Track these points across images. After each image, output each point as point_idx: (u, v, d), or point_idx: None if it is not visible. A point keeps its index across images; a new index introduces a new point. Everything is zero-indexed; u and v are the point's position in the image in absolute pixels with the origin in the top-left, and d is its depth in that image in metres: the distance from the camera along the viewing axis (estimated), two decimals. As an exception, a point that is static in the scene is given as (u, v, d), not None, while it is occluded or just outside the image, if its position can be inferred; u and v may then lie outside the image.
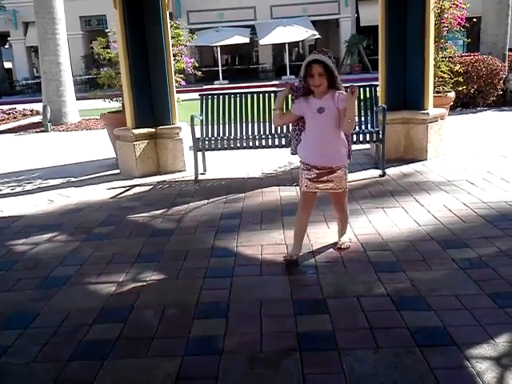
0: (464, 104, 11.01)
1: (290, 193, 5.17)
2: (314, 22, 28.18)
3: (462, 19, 7.30)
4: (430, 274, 3.16)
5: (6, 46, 31.95)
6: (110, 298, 3.10)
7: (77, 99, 13.31)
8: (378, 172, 5.59)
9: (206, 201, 5.07)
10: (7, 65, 31.49)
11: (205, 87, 23.09)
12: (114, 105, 7.56)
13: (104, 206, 5.12)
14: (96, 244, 4.05)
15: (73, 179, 6.39)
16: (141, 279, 3.34)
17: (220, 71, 27.55)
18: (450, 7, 7.24)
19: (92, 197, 5.51)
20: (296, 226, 3.60)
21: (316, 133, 3.38)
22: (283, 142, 5.81)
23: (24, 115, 15.22)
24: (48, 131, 11.67)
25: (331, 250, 3.62)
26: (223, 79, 27.06)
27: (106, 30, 8.21)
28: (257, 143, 5.88)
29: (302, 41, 29.78)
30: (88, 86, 24.09)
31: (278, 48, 29.54)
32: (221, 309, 2.87)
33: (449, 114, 7.41)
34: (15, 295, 3.24)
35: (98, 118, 9.81)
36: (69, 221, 4.71)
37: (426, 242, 3.67)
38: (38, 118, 13.53)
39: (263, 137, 5.87)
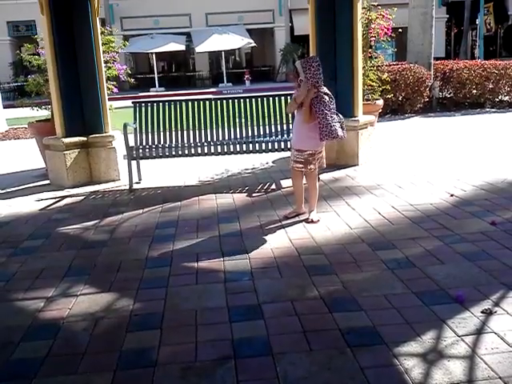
0: (393, 111, 11.50)
1: (227, 200, 5.19)
2: (249, 31, 28.47)
3: (388, 29, 7.62)
4: (360, 275, 3.26)
5: None
6: (38, 315, 2.98)
7: (4, 107, 12.71)
8: (312, 178, 5.71)
9: (140, 210, 4.98)
10: None
11: (140, 94, 22.72)
12: (43, 113, 7.28)
13: (32, 219, 4.91)
14: (23, 258, 3.87)
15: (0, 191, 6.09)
16: (71, 293, 3.22)
17: (156, 78, 27.20)
18: (377, 18, 7.54)
19: (20, 209, 5.27)
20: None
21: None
22: (219, 150, 5.82)
23: None
24: (-28, 141, 11.06)
25: (266, 255, 3.65)
26: (159, 86, 26.73)
27: (35, 36, 7.92)
28: (193, 151, 5.85)
29: (239, 49, 29.99)
30: (16, 94, 23.05)
31: (214, 55, 29.60)
32: (155, 320, 2.82)
33: (378, 121, 7.71)
34: None
35: (27, 126, 9.41)
36: (-6, 235, 4.48)
37: (356, 244, 3.79)
38: (-39, 128, 12.78)
39: (199, 144, 5.85)
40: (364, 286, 3.09)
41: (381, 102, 7.55)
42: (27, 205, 5.42)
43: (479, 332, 2.53)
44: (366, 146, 6.44)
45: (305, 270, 3.37)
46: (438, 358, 2.34)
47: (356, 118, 6.31)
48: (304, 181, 4.50)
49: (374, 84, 7.56)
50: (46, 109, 7.17)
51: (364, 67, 7.09)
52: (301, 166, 4.35)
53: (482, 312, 2.71)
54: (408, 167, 6.19)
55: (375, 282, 3.14)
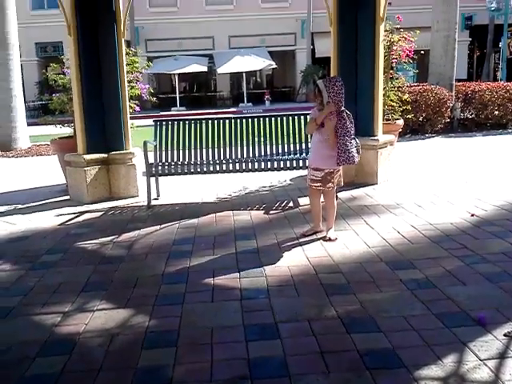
0: (413, 131, 11.42)
1: (244, 217, 5.17)
2: (271, 53, 28.76)
3: (410, 51, 7.64)
4: (379, 295, 3.20)
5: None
6: (55, 329, 2.98)
7: (28, 125, 12.98)
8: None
9: (158, 226, 4.98)
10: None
11: (162, 113, 23.02)
12: (66, 130, 7.41)
13: (52, 234, 4.95)
14: (42, 273, 3.89)
15: (20, 206, 6.16)
16: (87, 309, 3.22)
17: (177, 98, 27.58)
18: (399, 40, 7.56)
19: (40, 224, 5.33)
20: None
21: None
22: (237, 167, 5.83)
23: (-28, 141, 14.67)
24: (-4, 157, 11.30)
25: (283, 273, 3.61)
26: (180, 106, 27.07)
27: (61, 57, 8.11)
28: (211, 168, 5.87)
29: (260, 70, 30.28)
30: (41, 112, 23.57)
31: (235, 76, 29.90)
32: (171, 337, 2.80)
33: (398, 141, 7.65)
34: (-49, 328, 3.06)
35: (49, 143, 9.58)
36: (14, 249, 4.53)
37: (375, 263, 3.73)
38: (-14, 145, 13.07)
39: (217, 162, 5.88)
40: (383, 307, 3.02)
41: (401, 122, 7.51)
42: (47, 220, 5.48)
43: (502, 356, 2.44)
44: (386, 164, 6.39)
45: (322, 289, 3.31)
46: (459, 382, 2.26)
47: (376, 137, 6.27)
48: (322, 199, 4.47)
49: (394, 104, 7.55)
50: (68, 126, 7.29)
51: (385, 88, 7.09)
52: (319, 184, 4.32)
53: (505, 335, 2.62)
54: (428, 186, 6.11)
55: (394, 303, 3.07)
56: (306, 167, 5.50)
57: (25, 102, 13.21)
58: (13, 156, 11.42)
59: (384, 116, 6.90)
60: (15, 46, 12.18)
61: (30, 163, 10.30)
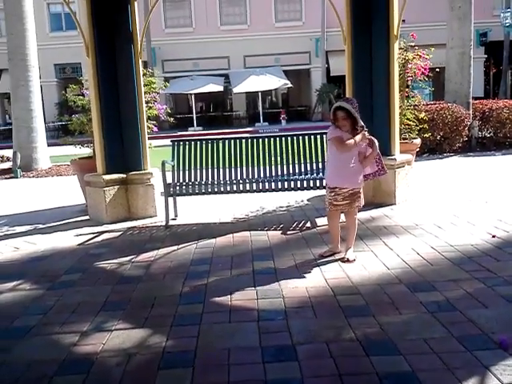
0: (431, 150, 11.35)
1: (261, 237, 5.17)
2: (286, 72, 29.02)
3: (425, 69, 7.64)
4: (398, 317, 3.16)
5: (-21, 93, 31.80)
6: (73, 349, 3.00)
7: (48, 145, 13.22)
8: (348, 216, 5.64)
9: (176, 246, 5.01)
10: (-21, 111, 31.25)
11: (179, 133, 23.27)
12: (86, 151, 7.53)
13: (71, 253, 5.00)
14: (61, 292, 3.93)
15: (40, 226, 6.25)
16: (105, 328, 3.24)
17: (194, 118, 27.90)
18: (414, 58, 7.58)
19: (59, 244, 5.39)
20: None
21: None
22: (254, 187, 5.85)
23: (-6, 161, 14.98)
24: (17, 177, 11.51)
25: (301, 295, 3.59)
26: (197, 126, 27.37)
27: (80, 78, 8.28)
28: (228, 188, 5.91)
29: (275, 89, 30.53)
30: (61, 133, 24.01)
31: (251, 96, 30.18)
32: (188, 358, 2.79)
33: (416, 160, 7.62)
34: (-28, 347, 3.10)
35: (69, 164, 9.73)
36: (34, 269, 4.58)
37: (394, 285, 3.69)
38: (7, 165, 13.31)
39: (234, 182, 5.91)
40: (402, 329, 2.98)
41: (418, 141, 7.48)
42: (66, 240, 5.55)
43: (526, 381, 2.39)
44: (404, 184, 6.35)
45: (340, 311, 3.29)
46: (482, 407, 2.21)
47: (393, 157, 6.25)
48: (341, 219, 4.46)
49: (411, 123, 7.53)
50: (88, 147, 7.42)
51: (401, 106, 7.08)
52: (345, 203, 4.28)
53: (529, 360, 2.56)
54: (447, 207, 6.05)
55: (414, 325, 3.03)
56: (324, 187, 5.50)
57: (45, 122, 13.48)
58: (33, 176, 11.63)
59: (401, 135, 6.88)
60: (35, 68, 12.49)
61: (51, 183, 10.46)
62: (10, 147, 13.79)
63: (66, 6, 6.37)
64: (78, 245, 5.34)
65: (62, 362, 2.83)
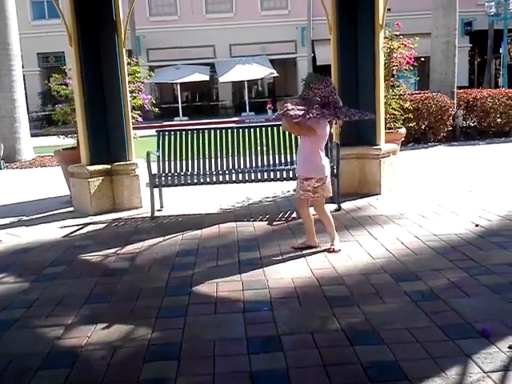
0: (416, 140, 11.42)
1: (247, 228, 5.17)
2: (272, 61, 28.90)
3: (410, 58, 7.65)
4: (383, 307, 3.19)
5: (-40, 82, 31.25)
6: (57, 342, 2.98)
7: (32, 136, 13.04)
8: (334, 206, 5.66)
9: (161, 238, 4.99)
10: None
11: (164, 123, 23.11)
12: (70, 141, 7.45)
13: (55, 246, 4.96)
14: (45, 285, 3.90)
15: (24, 218, 6.18)
16: (90, 321, 3.22)
17: (180, 108, 27.69)
18: (399, 47, 7.58)
19: (43, 236, 5.34)
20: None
21: None
22: (240, 178, 5.84)
23: (-24, 152, 14.75)
24: (0, 169, 11.35)
25: (286, 285, 3.61)
26: (183, 116, 27.19)
27: (64, 67, 8.16)
28: (214, 179, 5.88)
29: (261, 78, 30.40)
30: (44, 123, 23.70)
31: (237, 85, 30.03)
32: (173, 350, 2.79)
33: (401, 150, 7.66)
34: (-45, 341, 3.07)
35: (53, 154, 9.62)
36: (18, 261, 4.54)
37: (379, 274, 3.72)
38: (-10, 155, 13.14)
39: (220, 172, 5.89)
40: (387, 319, 3.01)
41: (403, 131, 7.52)
42: (51, 231, 5.50)
43: (507, 368, 2.42)
44: (389, 174, 6.38)
45: (325, 301, 3.31)
46: (463, 395, 2.25)
47: (378, 147, 6.28)
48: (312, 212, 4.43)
49: (396, 113, 7.56)
50: (72, 137, 7.33)
51: (386, 96, 7.10)
52: (310, 194, 4.24)
53: (510, 347, 2.61)
54: (431, 196, 6.10)
55: (398, 315, 3.06)
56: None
57: (28, 112, 13.29)
58: (17, 167, 11.48)
59: (386, 124, 6.90)
60: (17, 57, 12.27)
61: (34, 174, 10.35)
62: (-7, 138, 13.59)
63: (48, -6, 6.25)
64: (63, 237, 5.29)
65: (47, 356, 2.82)
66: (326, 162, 4.29)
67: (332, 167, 5.66)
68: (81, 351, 2.85)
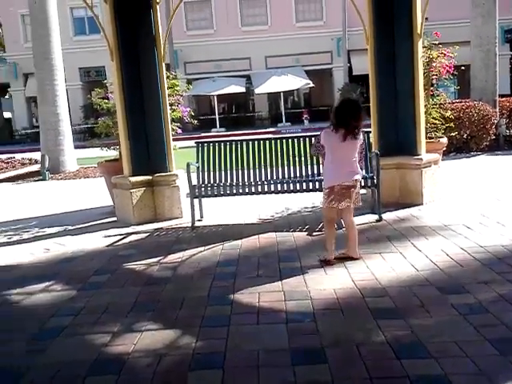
0: (458, 149, 11.17)
1: (287, 238, 5.16)
2: (307, 72, 28.92)
3: (450, 67, 7.54)
4: (429, 320, 3.12)
5: (6, 97, 32.53)
6: (105, 349, 3.04)
7: (75, 148, 13.43)
8: (375, 217, 5.60)
9: (202, 248, 5.04)
10: (7, 115, 31.96)
11: (202, 135, 23.40)
12: (112, 153, 7.64)
13: (100, 255, 5.08)
14: (91, 293, 4.00)
15: (69, 227, 6.36)
16: (135, 329, 3.28)
17: (217, 119, 28.02)
18: (438, 56, 7.48)
19: (88, 245, 5.48)
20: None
21: None
22: (279, 188, 5.85)
23: (22, 164, 15.28)
24: (46, 180, 11.72)
25: (329, 296, 3.58)
26: (220, 127, 27.49)
27: (105, 81, 8.40)
28: (253, 189, 5.92)
29: (297, 89, 30.46)
30: (87, 135, 24.39)
31: (273, 96, 30.15)
32: (217, 359, 2.81)
33: (443, 159, 7.51)
34: (7, 347, 3.18)
35: (96, 166, 9.88)
36: (64, 270, 4.67)
37: (424, 287, 3.64)
38: (36, 167, 13.60)
39: (259, 183, 5.92)
40: (433, 332, 2.95)
41: (444, 140, 7.38)
42: (95, 241, 5.63)
43: None
44: (431, 184, 6.27)
45: (369, 313, 3.26)
46: (518, 412, 2.17)
47: (419, 157, 6.18)
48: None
49: (437, 122, 7.44)
50: (114, 149, 7.51)
51: (426, 105, 7.00)
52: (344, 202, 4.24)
53: None
54: (475, 207, 5.95)
55: (446, 328, 2.99)
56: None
57: (71, 125, 13.70)
58: (61, 178, 11.83)
59: (427, 134, 6.80)
60: (60, 71, 12.70)
61: (78, 185, 10.64)
62: (38, 150, 14.08)
63: (90, 11, 6.46)
64: (107, 246, 5.42)
65: (94, 362, 2.88)
66: (329, 172, 4.30)
67: (372, 177, 5.63)
68: (127, 358, 2.90)
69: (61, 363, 2.90)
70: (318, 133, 4.50)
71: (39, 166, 12.48)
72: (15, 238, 6.04)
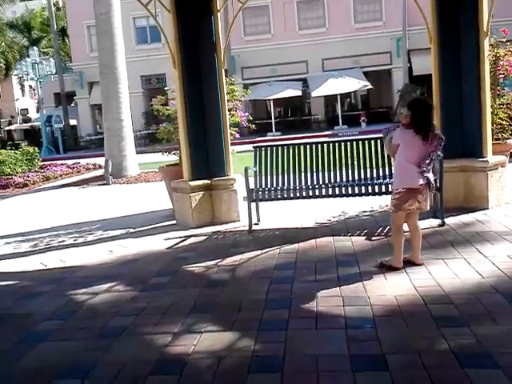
0: (526, 150, 10.62)
1: (345, 243, 5.09)
2: (365, 73, 28.47)
3: (517, 66, 7.20)
4: (496, 329, 2.99)
5: (72, 105, 34.13)
6: (165, 349, 3.12)
7: (137, 153, 13.88)
8: (437, 221, 5.42)
9: (259, 251, 5.06)
10: (72, 122, 33.51)
11: (258, 139, 23.54)
12: (172, 158, 7.83)
13: (160, 257, 5.22)
14: (152, 294, 4.11)
15: (131, 230, 6.58)
16: (195, 330, 3.34)
17: (273, 123, 28.10)
18: (506, 54, 7.17)
19: (149, 247, 5.64)
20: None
21: None
22: (336, 192, 5.79)
23: (87, 169, 16.03)
24: (109, 184, 12.19)
25: (389, 303, 3.50)
26: (276, 131, 27.53)
27: (166, 88, 8.62)
28: (310, 193, 5.89)
29: (354, 91, 30.05)
30: (148, 141, 25.15)
31: (330, 99, 29.88)
32: (276, 363, 2.81)
33: (510, 161, 7.17)
34: (73, 345, 3.32)
35: (157, 170, 10.16)
36: (126, 271, 4.83)
37: (490, 294, 3.49)
38: (100, 172, 14.19)
39: (316, 186, 5.88)
40: (501, 341, 2.82)
41: (512, 142, 7.06)
42: (155, 243, 5.79)
43: None
44: (497, 188, 5.99)
45: (432, 321, 3.16)
46: None
47: (485, 159, 5.92)
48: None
49: (503, 122, 7.14)
50: (174, 154, 7.70)
51: (492, 105, 6.72)
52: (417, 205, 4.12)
53: None
54: (546, 212, 5.64)
55: (514, 338, 2.85)
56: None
57: (133, 131, 14.18)
58: (124, 183, 12.27)
59: (493, 135, 6.52)
60: (124, 80, 13.19)
61: (140, 189, 10.98)
62: (102, 155, 14.68)
63: (154, 20, 6.66)
64: (167, 248, 5.55)
65: (156, 362, 2.95)
66: (403, 173, 4.14)
67: (435, 180, 5.44)
68: (188, 359, 2.95)
69: (123, 363, 2.99)
70: (381, 134, 4.45)
71: (103, 170, 13.00)
72: (80, 240, 6.31)
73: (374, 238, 5.21)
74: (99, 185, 12.36)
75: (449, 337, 2.92)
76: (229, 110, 7.21)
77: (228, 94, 7.38)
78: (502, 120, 7.14)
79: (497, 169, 6.00)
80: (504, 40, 7.33)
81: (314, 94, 27.73)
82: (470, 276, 3.87)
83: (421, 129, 3.99)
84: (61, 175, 14.81)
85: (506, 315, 3.15)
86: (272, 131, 27.47)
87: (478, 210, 5.85)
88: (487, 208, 5.87)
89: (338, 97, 27.88)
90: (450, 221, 5.49)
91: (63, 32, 36.26)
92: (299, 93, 28.06)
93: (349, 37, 28.67)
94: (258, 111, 31.96)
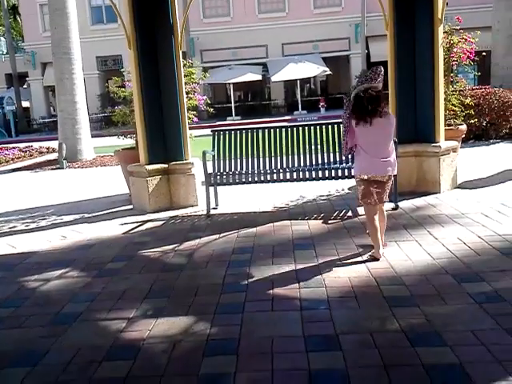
0: (476, 136, 10.98)
1: (302, 226, 5.15)
2: (325, 59, 28.65)
3: (471, 53, 7.38)
4: (444, 308, 3.10)
5: (25, 86, 32.88)
6: (120, 335, 3.08)
7: (92, 136, 13.55)
8: (391, 205, 5.54)
9: (217, 235, 5.06)
10: (25, 104, 32.31)
11: (218, 123, 23.40)
12: (128, 142, 7.68)
13: (116, 242, 5.13)
14: (107, 280, 4.04)
15: (86, 215, 6.44)
16: (151, 315, 3.32)
17: (233, 107, 27.97)
18: (459, 42, 7.33)
19: (105, 233, 5.53)
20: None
21: None
22: (294, 176, 5.83)
23: (40, 153, 15.51)
24: (63, 168, 11.86)
25: (343, 284, 3.57)
26: (236, 115, 27.44)
27: (122, 70, 8.41)
28: (268, 177, 5.90)
29: (314, 77, 30.21)
30: (103, 124, 24.58)
31: (289, 84, 29.97)
32: (232, 345, 2.83)
33: (461, 147, 7.40)
34: (25, 332, 3.24)
35: (113, 154, 9.96)
36: (81, 257, 4.73)
37: (440, 275, 3.61)
38: (53, 156, 13.78)
39: (274, 171, 5.90)
40: (449, 320, 2.92)
41: (464, 128, 7.26)
42: (111, 228, 5.69)
43: None
44: (449, 172, 6.18)
45: (384, 301, 3.25)
46: (534, 402, 2.15)
47: (437, 144, 6.09)
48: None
49: (456, 109, 7.31)
50: (130, 138, 7.55)
51: (445, 92, 6.88)
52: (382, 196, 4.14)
53: None
54: (494, 195, 5.85)
55: (461, 316, 2.96)
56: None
57: (88, 114, 13.81)
58: (79, 167, 11.96)
59: (446, 121, 6.69)
60: (78, 61, 12.79)
61: (95, 173, 10.74)
62: (56, 139, 14.24)
63: (108, -1, 6.47)
64: (123, 233, 5.47)
65: (110, 348, 2.92)
66: (359, 159, 4.09)
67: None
68: (142, 344, 2.93)
69: (77, 348, 2.94)
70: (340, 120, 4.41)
71: (57, 154, 12.64)
72: (33, 226, 6.13)
73: (330, 222, 5.29)
74: (53, 169, 12.01)
75: (400, 316, 3.00)
76: (186, 93, 7.11)
77: (186, 76, 7.27)
78: (455, 106, 7.31)
79: (449, 154, 6.17)
80: (458, 28, 7.49)
81: (273, 78, 27.71)
82: (422, 258, 3.99)
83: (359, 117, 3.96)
84: (12, 159, 14.29)
85: (454, 295, 3.26)
86: (232, 115, 27.36)
87: (430, 193, 6.03)
88: (439, 192, 6.05)
89: (298, 82, 27.98)
90: (403, 204, 5.63)
91: (14, 10, 34.78)
92: (259, 77, 27.99)
93: (308, 22, 28.74)
94: (218, 95, 31.71)
